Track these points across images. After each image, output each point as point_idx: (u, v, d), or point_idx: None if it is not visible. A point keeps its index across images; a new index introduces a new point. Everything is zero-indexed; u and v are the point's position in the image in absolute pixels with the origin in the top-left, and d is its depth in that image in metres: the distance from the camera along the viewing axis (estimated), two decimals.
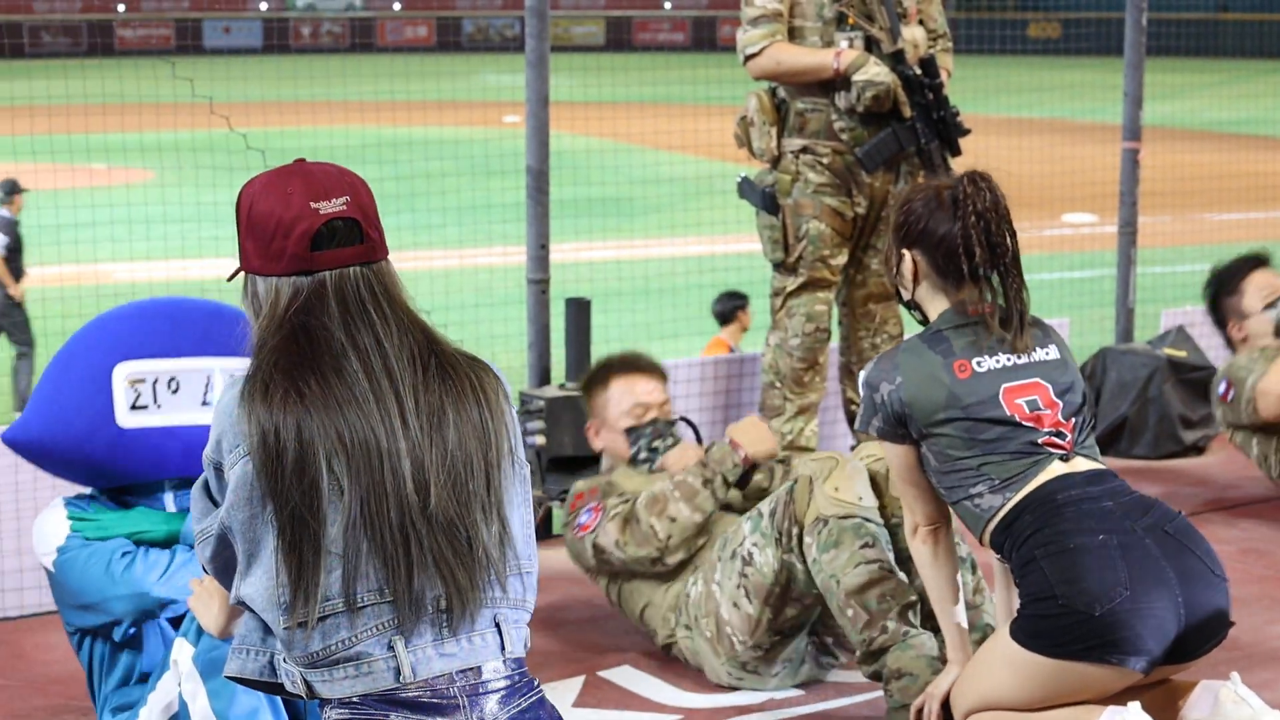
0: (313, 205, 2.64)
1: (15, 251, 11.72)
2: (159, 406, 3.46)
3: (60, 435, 3.47)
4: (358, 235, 2.67)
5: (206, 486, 2.71)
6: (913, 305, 3.71)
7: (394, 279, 2.71)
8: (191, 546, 3.42)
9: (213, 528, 2.66)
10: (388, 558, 2.56)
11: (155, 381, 3.46)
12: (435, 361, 2.65)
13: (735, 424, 4.49)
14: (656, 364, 4.82)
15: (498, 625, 2.64)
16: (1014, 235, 3.57)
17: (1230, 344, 5.97)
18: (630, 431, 4.66)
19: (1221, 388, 5.83)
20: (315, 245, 2.64)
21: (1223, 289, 5.91)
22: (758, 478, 4.53)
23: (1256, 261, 5.93)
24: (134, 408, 3.45)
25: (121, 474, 3.52)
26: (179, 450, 3.48)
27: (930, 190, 3.67)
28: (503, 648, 2.64)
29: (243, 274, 2.72)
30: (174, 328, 3.52)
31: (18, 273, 11.69)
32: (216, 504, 2.68)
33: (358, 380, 2.59)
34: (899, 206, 3.69)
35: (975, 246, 3.53)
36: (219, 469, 2.64)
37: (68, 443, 3.48)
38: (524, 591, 2.70)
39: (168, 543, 3.51)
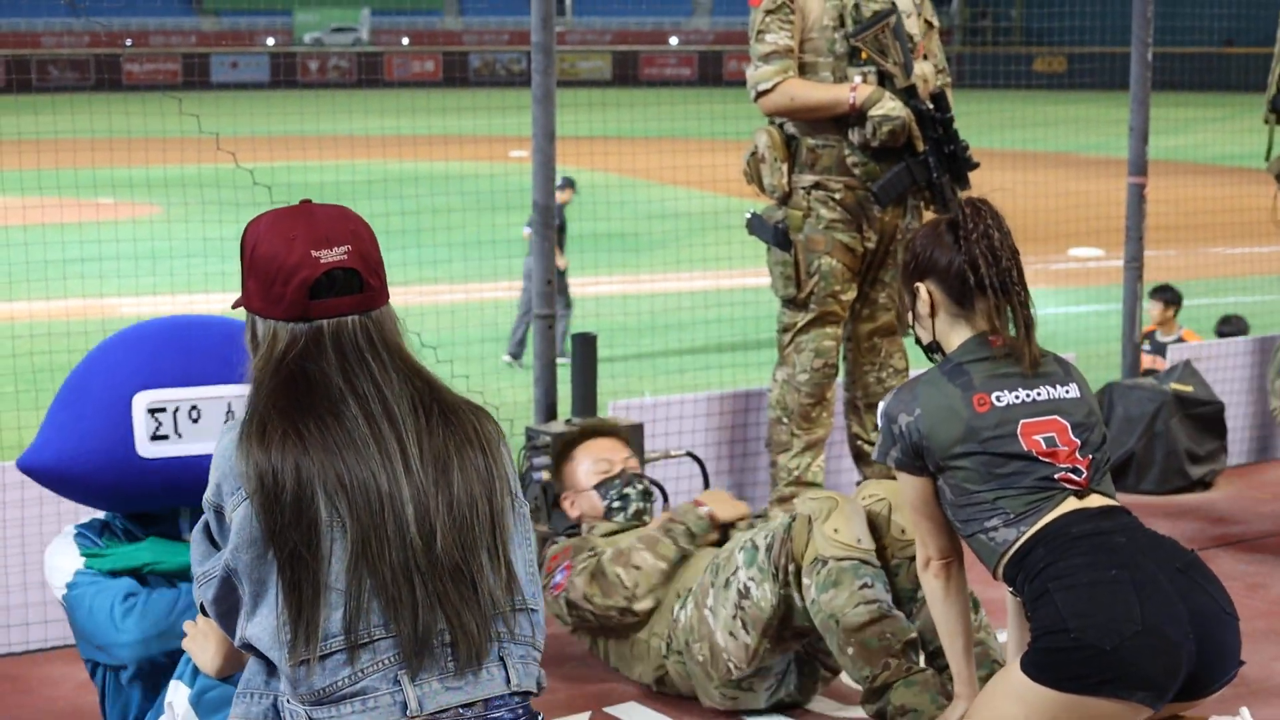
0: (314, 254, 2.66)
1: (561, 230, 13.45)
2: (180, 436, 3.38)
3: (78, 464, 3.41)
4: (357, 285, 2.69)
5: (207, 529, 2.72)
6: (934, 347, 3.71)
7: (393, 326, 2.73)
8: None
9: (216, 570, 2.66)
10: (390, 599, 2.58)
11: (176, 411, 3.38)
12: (438, 409, 2.68)
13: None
14: (616, 425, 5.07)
15: (503, 660, 2.66)
16: (1017, 254, 3.63)
17: None
18: (600, 486, 4.87)
19: None
20: (314, 294, 2.66)
21: None
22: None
23: None
24: (154, 438, 3.37)
25: (140, 502, 3.47)
26: (199, 479, 3.31)
27: (930, 224, 3.75)
28: (508, 681, 2.65)
29: (244, 309, 2.73)
30: (192, 354, 3.44)
31: (562, 245, 13.56)
32: (217, 546, 2.69)
33: (356, 425, 2.62)
34: (904, 248, 3.72)
35: (980, 262, 3.58)
36: (219, 512, 2.65)
37: (85, 471, 3.41)
38: (531, 629, 2.72)
39: (179, 574, 3.47)
